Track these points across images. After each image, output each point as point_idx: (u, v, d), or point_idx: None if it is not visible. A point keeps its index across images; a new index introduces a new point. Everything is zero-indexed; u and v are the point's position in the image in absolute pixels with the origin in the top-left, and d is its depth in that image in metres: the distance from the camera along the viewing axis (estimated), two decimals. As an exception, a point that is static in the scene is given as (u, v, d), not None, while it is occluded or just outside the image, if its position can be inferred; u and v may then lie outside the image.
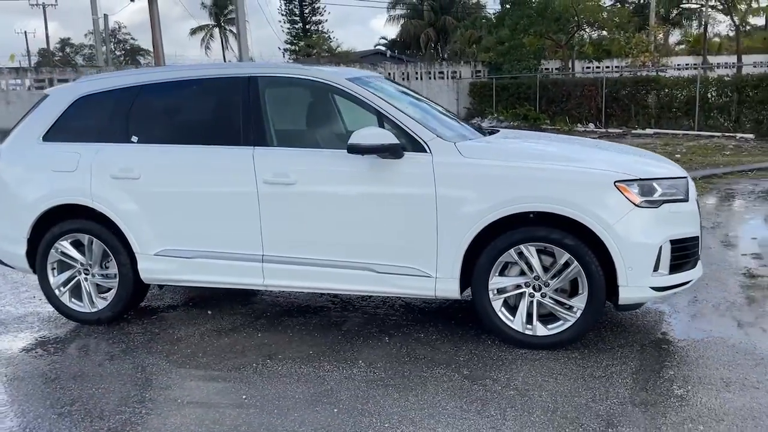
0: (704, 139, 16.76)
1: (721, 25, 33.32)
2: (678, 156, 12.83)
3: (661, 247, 3.69)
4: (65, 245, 4.60)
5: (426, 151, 3.94)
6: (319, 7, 46.06)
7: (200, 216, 4.33)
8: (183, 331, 4.45)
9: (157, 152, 4.43)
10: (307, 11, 46.91)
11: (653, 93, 19.73)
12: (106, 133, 4.56)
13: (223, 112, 4.48)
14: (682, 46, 40.12)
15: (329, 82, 4.28)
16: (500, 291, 3.93)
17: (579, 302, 3.79)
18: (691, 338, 4.04)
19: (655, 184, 3.77)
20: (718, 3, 31.80)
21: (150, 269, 4.45)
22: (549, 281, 3.83)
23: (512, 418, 3.12)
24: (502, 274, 3.91)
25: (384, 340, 4.15)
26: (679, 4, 36.66)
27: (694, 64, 30.10)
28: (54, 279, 4.66)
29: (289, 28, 46.31)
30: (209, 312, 4.83)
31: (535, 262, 3.83)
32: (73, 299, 4.67)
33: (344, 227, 4.09)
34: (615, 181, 3.72)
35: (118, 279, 4.52)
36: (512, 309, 3.95)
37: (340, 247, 4.10)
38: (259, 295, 5.13)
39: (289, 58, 44.28)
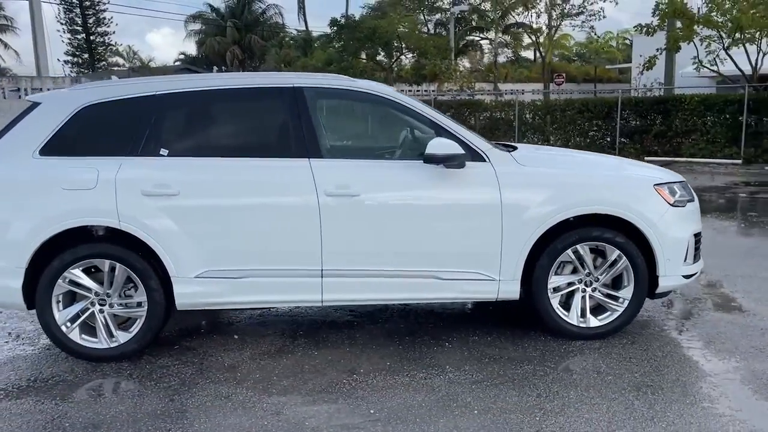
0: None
1: (500, 57, 37.16)
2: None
3: (688, 241, 4.32)
4: (77, 273, 4.04)
5: (485, 161, 4.16)
6: (104, 18, 43.26)
7: (251, 232, 4.09)
8: (229, 358, 4.14)
9: (198, 166, 4.10)
10: (90, 21, 43.78)
11: (475, 115, 21.60)
12: (124, 145, 4.11)
13: (270, 123, 4.29)
14: (475, 74, 44.35)
15: (380, 94, 4.32)
16: (556, 289, 4.27)
17: (626, 294, 4.27)
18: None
19: (675, 187, 4.39)
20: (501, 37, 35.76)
21: (190, 293, 4.08)
22: (599, 277, 4.26)
23: (612, 393, 3.46)
24: (557, 273, 4.26)
25: (446, 345, 4.27)
26: (465, 36, 40.52)
27: (489, 90, 33.40)
28: (60, 314, 4.06)
29: (70, 39, 42.85)
30: (236, 336, 4.53)
31: (588, 260, 4.24)
32: (83, 335, 4.11)
33: (410, 237, 4.14)
34: (654, 185, 4.28)
35: (146, 307, 4.07)
36: (565, 305, 4.30)
37: (405, 256, 4.15)
38: (264, 315, 4.90)
39: (72, 71, 40.77)
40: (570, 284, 4.29)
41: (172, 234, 4.00)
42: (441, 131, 4.22)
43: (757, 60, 16.97)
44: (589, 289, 4.29)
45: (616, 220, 4.20)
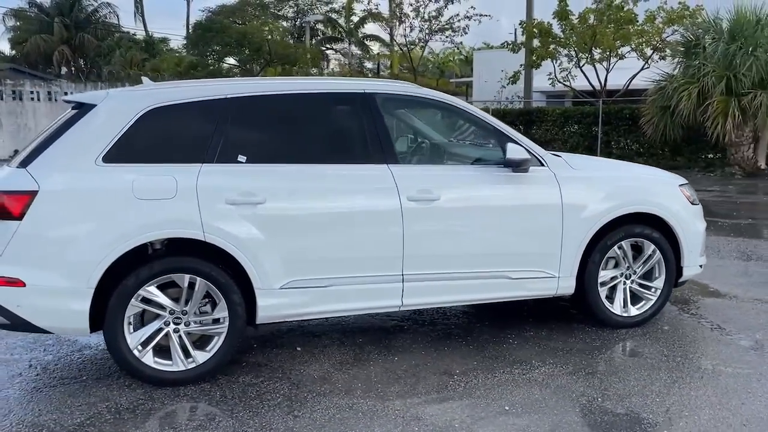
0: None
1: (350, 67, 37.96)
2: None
3: (702, 234, 4.92)
4: (152, 291, 3.71)
5: (544, 165, 4.45)
6: None
7: (336, 239, 4.01)
8: (312, 370, 4.02)
9: (283, 173, 3.94)
10: None
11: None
12: (198, 151, 3.84)
13: (347, 129, 4.23)
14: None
15: (444, 101, 4.44)
16: (603, 283, 4.65)
17: (658, 284, 4.76)
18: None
19: (689, 188, 4.98)
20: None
21: (274, 305, 3.91)
22: (636, 270, 4.72)
23: (686, 370, 3.92)
24: (603, 268, 4.65)
25: (509, 342, 4.48)
26: (319, 46, 40.90)
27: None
28: (132, 337, 3.70)
29: None
30: (298, 348, 4.38)
31: (629, 254, 4.68)
32: (157, 358, 3.76)
33: (483, 239, 4.31)
34: (678, 185, 4.83)
35: (227, 323, 3.83)
36: (608, 298, 4.70)
37: (479, 258, 4.30)
38: (304, 327, 4.78)
39: None
40: (613, 278, 4.69)
41: (258, 244, 3.81)
42: (502, 137, 4.42)
43: (606, 77, 19.06)
44: (628, 282, 4.73)
45: (649, 217, 4.68)
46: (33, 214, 3.52)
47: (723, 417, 3.36)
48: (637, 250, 4.72)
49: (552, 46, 18.91)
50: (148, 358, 3.73)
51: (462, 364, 4.10)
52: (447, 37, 23.25)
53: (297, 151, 4.11)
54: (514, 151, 4.22)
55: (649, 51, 18.37)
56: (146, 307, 3.72)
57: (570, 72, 19.60)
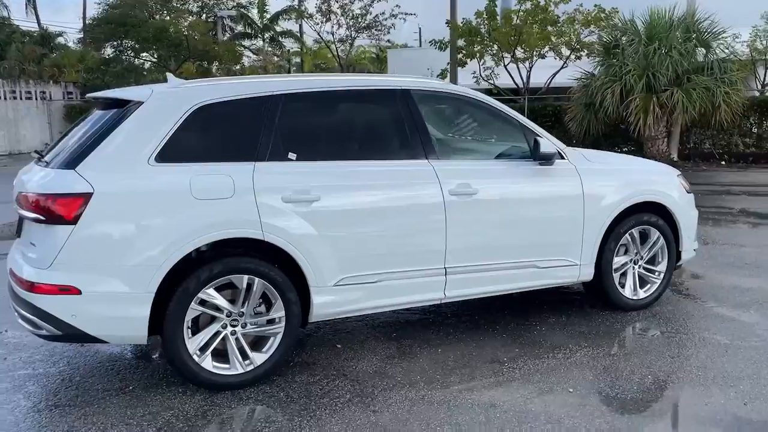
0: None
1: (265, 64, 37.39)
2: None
3: (696, 221, 5.31)
4: (211, 293, 3.61)
5: (565, 158, 4.66)
6: None
7: (386, 235, 4.04)
8: (364, 365, 4.04)
9: (334, 170, 3.92)
10: None
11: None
12: (250, 149, 3.76)
13: (388, 125, 4.24)
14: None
15: (475, 98, 4.55)
16: (616, 269, 4.93)
17: (661, 268, 5.10)
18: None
19: (682, 178, 5.35)
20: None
21: (329, 303, 3.89)
22: (643, 255, 5.04)
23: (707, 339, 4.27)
24: (616, 254, 4.93)
25: (538, 329, 4.66)
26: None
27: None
28: (191, 342, 3.58)
29: None
30: (338, 346, 4.37)
31: (638, 241, 4.98)
32: (215, 363, 3.66)
33: (518, 230, 4.47)
34: (677, 175, 5.19)
35: (284, 323, 3.78)
36: (620, 283, 4.98)
37: (513, 249, 4.46)
38: (334, 324, 4.76)
39: None
40: (624, 264, 4.98)
41: (313, 242, 3.78)
42: (528, 132, 4.60)
43: (528, 75, 19.84)
44: (636, 267, 5.04)
45: (653, 206, 4.99)
46: (88, 218, 3.33)
47: (762, 386, 3.68)
48: (643, 237, 5.03)
49: (478, 46, 19.45)
50: (208, 363, 3.62)
51: (506, 352, 4.23)
52: (373, 35, 23.37)
53: (344, 147, 4.11)
54: (545, 146, 4.41)
55: (566, 51, 19.28)
56: (205, 310, 3.61)
57: (493, 71, 20.26)
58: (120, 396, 3.65)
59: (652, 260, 5.11)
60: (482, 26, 19.33)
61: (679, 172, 5.32)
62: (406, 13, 22.66)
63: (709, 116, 15.23)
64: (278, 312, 3.76)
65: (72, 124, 4.22)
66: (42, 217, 3.35)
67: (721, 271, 6.17)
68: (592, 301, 5.12)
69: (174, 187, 3.52)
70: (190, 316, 3.55)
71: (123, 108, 3.63)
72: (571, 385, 3.73)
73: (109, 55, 22.98)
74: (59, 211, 3.32)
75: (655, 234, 5.01)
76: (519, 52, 19.32)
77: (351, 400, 3.57)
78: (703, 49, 15.87)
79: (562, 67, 19.31)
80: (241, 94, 3.84)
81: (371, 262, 4.00)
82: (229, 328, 3.68)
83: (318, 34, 23.15)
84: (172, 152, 3.56)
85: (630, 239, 4.93)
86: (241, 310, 3.69)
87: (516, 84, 20.11)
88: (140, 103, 3.61)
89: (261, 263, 3.69)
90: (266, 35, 35.69)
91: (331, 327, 4.72)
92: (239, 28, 34.81)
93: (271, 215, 3.66)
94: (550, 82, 19.77)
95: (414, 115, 4.21)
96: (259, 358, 3.75)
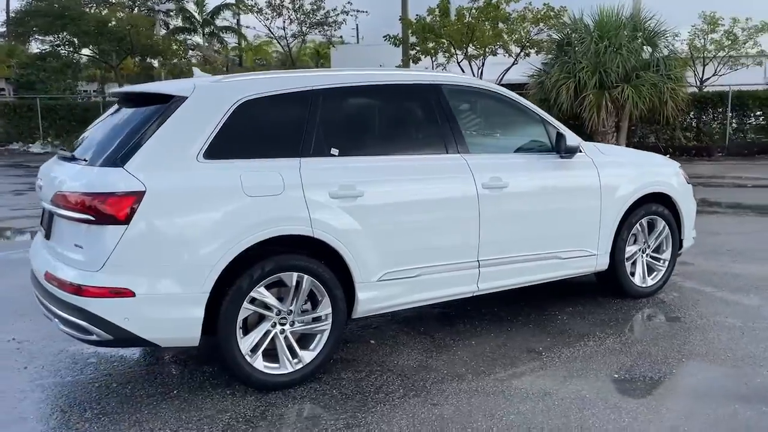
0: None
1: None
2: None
3: (695, 211, 5.56)
4: (262, 292, 3.54)
5: (582, 151, 4.79)
6: None
7: (425, 229, 4.06)
8: (405, 360, 4.04)
9: (375, 164, 3.90)
10: None
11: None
12: (294, 145, 3.71)
13: (423, 120, 4.24)
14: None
15: (500, 93, 4.62)
16: (627, 258, 5.10)
17: (666, 256, 5.31)
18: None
19: (682, 170, 5.57)
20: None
21: (372, 298, 3.88)
22: (650, 244, 5.23)
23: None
24: (629, 244, 5.10)
25: (557, 319, 4.78)
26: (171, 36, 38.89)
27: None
28: (243, 342, 3.50)
29: None
30: (372, 341, 4.37)
31: (646, 231, 5.17)
32: (265, 362, 3.59)
33: (543, 222, 4.56)
34: (678, 167, 5.41)
35: (330, 320, 3.74)
36: (631, 271, 5.16)
37: (539, 240, 4.55)
38: (357, 321, 4.74)
39: None
40: (634, 253, 5.16)
41: (359, 238, 3.76)
42: (548, 126, 4.71)
43: (481, 72, 20.16)
44: (644, 255, 5.23)
45: (658, 196, 5.19)
46: (140, 218, 3.20)
47: (787, 363, 3.90)
48: (650, 226, 5.22)
49: (431, 42, 19.63)
50: (259, 363, 3.55)
51: (539, 342, 4.32)
52: (324, 31, 23.22)
53: (382, 142, 4.09)
54: (570, 139, 4.52)
55: (515, 48, 19.71)
56: (257, 309, 3.53)
57: (445, 67, 20.49)
58: (168, 401, 3.52)
59: (658, 249, 5.31)
60: (436, 23, 19.53)
61: (679, 165, 5.55)
62: (357, 10, 22.64)
63: (657, 111, 15.91)
64: (325, 309, 3.72)
65: (98, 119, 4.05)
66: (91, 218, 3.19)
67: (708, 259, 6.47)
68: (602, 290, 5.27)
69: (226, 184, 3.42)
70: (242, 315, 3.47)
71: (165, 103, 3.50)
72: (614, 370, 3.85)
73: (41, 49, 21.89)
74: (110, 211, 3.18)
75: (661, 223, 5.21)
76: (471, 49, 19.64)
77: (406, 395, 3.56)
78: (649, 47, 16.55)
79: (513, 64, 19.75)
80: (284, 89, 3.77)
81: (411, 257, 4.00)
82: (278, 327, 3.61)
83: (268, 29, 22.82)
84: (219, 149, 3.46)
85: (639, 229, 5.11)
86: (290, 308, 3.63)
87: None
88: (184, 98, 3.48)
89: (310, 260, 3.64)
90: (206, 30, 34.93)
91: (357, 324, 4.68)
92: (175, 22, 33.94)
93: (320, 211, 3.62)
94: (501, 79, 20.13)
95: (446, 110, 4.24)
96: (307, 356, 3.69)
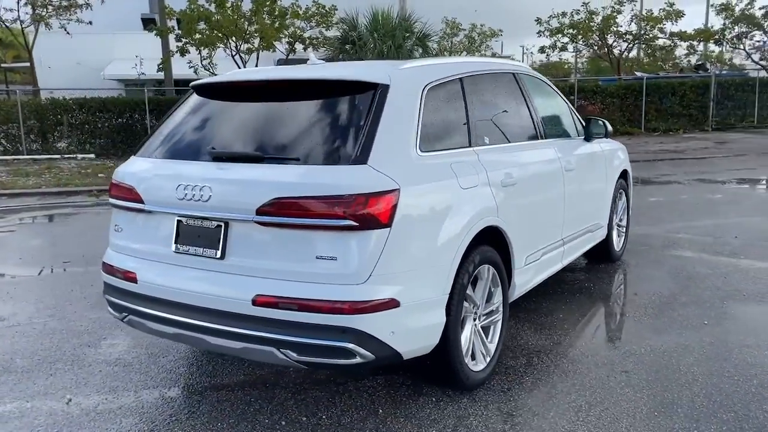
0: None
1: None
2: None
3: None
4: (469, 287, 3.39)
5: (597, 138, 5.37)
6: None
7: (543, 213, 4.27)
8: (537, 341, 4.17)
9: (517, 153, 3.98)
10: None
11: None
12: (462, 134, 3.60)
13: (521, 109, 4.32)
14: None
15: (545, 82, 4.94)
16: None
17: (624, 222, 6.21)
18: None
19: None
20: None
21: (521, 284, 3.96)
22: (620, 212, 6.04)
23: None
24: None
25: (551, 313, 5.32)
26: None
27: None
28: (462, 341, 3.33)
29: None
30: (480, 330, 4.36)
31: (623, 200, 6.01)
32: (470, 360, 3.45)
33: (589, 199, 5.08)
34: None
35: (501, 310, 3.72)
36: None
37: (587, 216, 5.05)
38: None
39: None
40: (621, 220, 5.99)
41: (517, 224, 3.79)
42: (572, 113, 5.20)
43: (257, 66, 19.79)
44: (619, 222, 6.04)
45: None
46: (398, 219, 2.85)
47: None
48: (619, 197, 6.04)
49: (199, 35, 18.68)
50: (469, 361, 3.40)
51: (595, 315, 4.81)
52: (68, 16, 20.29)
53: (506, 131, 4.10)
54: (595, 126, 5.08)
55: (282, 45, 19.77)
56: (468, 306, 3.37)
57: (211, 60, 19.67)
58: (368, 420, 3.17)
59: (624, 214, 6.18)
60: (216, 14, 18.61)
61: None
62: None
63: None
64: (498, 299, 3.68)
65: (263, 112, 3.36)
66: (353, 224, 2.73)
67: (655, 225, 7.59)
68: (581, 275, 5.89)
69: (447, 178, 3.19)
70: (462, 314, 3.30)
71: (364, 92, 3.09)
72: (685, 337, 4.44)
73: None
74: (375, 213, 2.76)
75: (623, 195, 6.09)
76: (245, 43, 19.22)
77: (596, 376, 3.67)
78: (420, 48, 18.08)
79: (287, 58, 19.83)
80: (449, 76, 3.59)
81: (539, 240, 4.16)
82: (472, 322, 3.49)
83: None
84: (425, 140, 3.19)
85: (619, 200, 5.92)
86: (478, 302, 3.53)
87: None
88: (386, 86, 3.13)
89: (494, 252, 3.58)
90: None
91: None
92: None
93: (499, 200, 3.57)
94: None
95: (527, 99, 4.43)
96: (492, 348, 3.63)
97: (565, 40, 23.92)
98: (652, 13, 23.37)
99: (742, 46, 25.59)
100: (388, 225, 2.80)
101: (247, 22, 18.33)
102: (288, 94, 3.29)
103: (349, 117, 3.03)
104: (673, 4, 23.13)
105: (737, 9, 24.39)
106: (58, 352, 4.18)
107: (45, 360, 4.04)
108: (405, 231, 2.88)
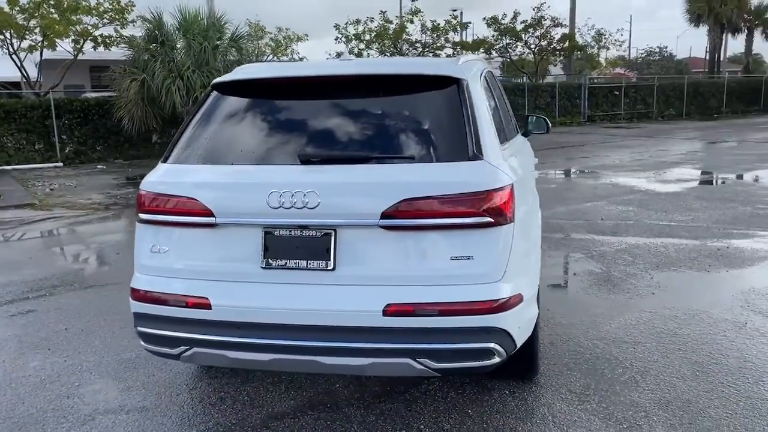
0: None
1: None
2: None
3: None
4: (532, 278, 3.51)
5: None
6: None
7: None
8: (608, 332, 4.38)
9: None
10: None
11: None
12: (499, 129, 3.64)
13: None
14: None
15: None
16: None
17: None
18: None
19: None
20: None
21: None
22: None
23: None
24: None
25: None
26: None
27: None
28: (530, 334, 3.43)
29: None
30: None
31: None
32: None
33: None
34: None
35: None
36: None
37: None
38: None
39: None
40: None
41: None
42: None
43: (40, 65, 17.47)
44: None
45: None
46: (516, 213, 2.85)
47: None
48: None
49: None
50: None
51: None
52: None
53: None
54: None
55: (68, 42, 17.81)
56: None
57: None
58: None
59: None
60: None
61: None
62: None
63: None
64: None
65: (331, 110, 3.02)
66: (489, 220, 2.66)
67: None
68: None
69: (518, 170, 3.21)
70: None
71: (455, 85, 2.98)
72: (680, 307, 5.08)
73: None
74: (504, 209, 2.72)
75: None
76: (27, 41, 16.94)
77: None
78: (234, 48, 17.37)
79: (75, 57, 17.86)
80: (484, 71, 3.64)
81: None
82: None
83: None
84: (498, 133, 3.22)
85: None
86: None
87: (25, 75, 17.48)
88: (465, 81, 3.07)
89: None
90: None
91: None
92: None
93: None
94: (65, 74, 17.93)
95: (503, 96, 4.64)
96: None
97: (362, 46, 24.74)
98: (439, 25, 25.22)
99: (508, 56, 28.68)
100: (513, 220, 2.79)
101: (27, 16, 16.10)
102: (362, 91, 3.06)
103: (445, 112, 2.94)
104: (457, 18, 25.27)
105: (503, 23, 27.18)
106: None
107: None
108: (520, 224, 2.89)
